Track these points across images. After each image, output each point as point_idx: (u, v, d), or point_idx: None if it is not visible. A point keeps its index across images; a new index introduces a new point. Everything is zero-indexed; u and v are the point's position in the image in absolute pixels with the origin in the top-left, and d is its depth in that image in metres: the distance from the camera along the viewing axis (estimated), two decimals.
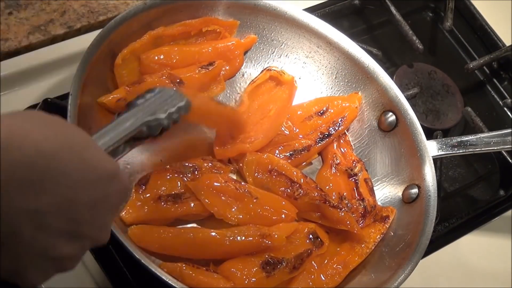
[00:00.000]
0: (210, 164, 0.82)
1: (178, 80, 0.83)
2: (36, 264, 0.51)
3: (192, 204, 0.78)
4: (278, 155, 0.86)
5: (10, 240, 0.48)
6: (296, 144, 0.88)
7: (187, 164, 0.80)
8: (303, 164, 0.89)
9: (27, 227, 0.47)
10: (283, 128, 0.88)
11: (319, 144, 0.89)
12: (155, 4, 0.84)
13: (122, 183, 0.53)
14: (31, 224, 0.48)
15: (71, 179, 0.48)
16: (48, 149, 0.47)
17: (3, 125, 0.45)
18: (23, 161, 0.45)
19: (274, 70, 0.91)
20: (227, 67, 0.90)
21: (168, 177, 0.79)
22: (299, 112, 0.90)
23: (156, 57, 0.84)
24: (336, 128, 0.90)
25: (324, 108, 0.90)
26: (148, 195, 0.77)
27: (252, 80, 0.91)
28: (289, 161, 0.86)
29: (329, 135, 0.89)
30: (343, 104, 0.91)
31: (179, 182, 0.79)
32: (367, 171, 0.90)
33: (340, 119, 0.90)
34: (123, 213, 0.75)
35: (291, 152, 0.87)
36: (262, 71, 0.91)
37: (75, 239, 0.51)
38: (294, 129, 0.88)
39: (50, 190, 0.47)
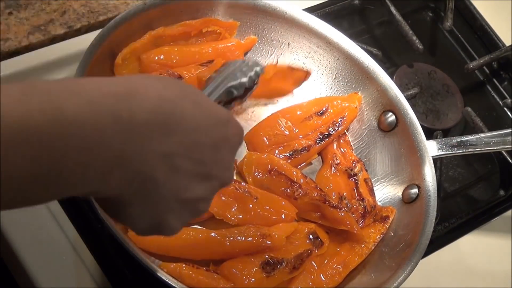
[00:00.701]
0: None
1: (176, 74, 0.83)
2: (173, 209, 0.52)
3: None
4: (278, 155, 0.86)
5: (146, 186, 0.49)
6: (296, 144, 0.88)
7: None
8: (303, 164, 0.89)
9: (161, 170, 0.49)
10: (282, 128, 0.88)
11: (319, 144, 0.89)
12: (155, 4, 0.84)
13: (237, 126, 0.56)
14: (164, 167, 0.49)
15: (194, 122, 0.50)
16: (170, 96, 0.49)
17: (125, 81, 0.48)
18: (149, 107, 0.47)
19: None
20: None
21: None
22: (298, 112, 0.90)
23: (156, 57, 0.84)
24: (336, 128, 0.90)
25: (324, 108, 0.90)
26: None
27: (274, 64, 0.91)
28: (289, 161, 0.86)
29: (329, 135, 0.89)
30: (343, 104, 0.91)
31: None
32: (367, 171, 0.90)
33: (339, 119, 0.90)
34: None
35: (291, 152, 0.87)
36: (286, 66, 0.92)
37: (204, 179, 0.53)
38: (294, 129, 0.88)
39: (177, 132, 0.49)
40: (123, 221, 0.53)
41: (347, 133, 0.92)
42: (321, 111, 0.90)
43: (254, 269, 0.75)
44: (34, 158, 0.42)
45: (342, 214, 0.82)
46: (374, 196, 0.88)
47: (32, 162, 0.42)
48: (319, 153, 0.91)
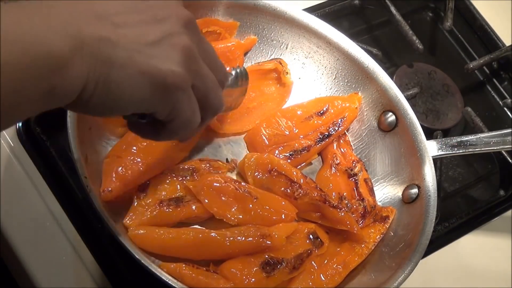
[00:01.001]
0: (207, 165, 0.82)
1: None
2: (150, 54, 0.53)
3: (194, 207, 0.78)
4: (278, 155, 0.86)
5: (106, 51, 0.50)
6: (296, 144, 0.88)
7: (185, 166, 0.81)
8: (303, 164, 0.89)
9: (105, 29, 0.51)
10: (282, 128, 0.88)
11: (319, 145, 0.89)
12: None
13: None
14: (107, 27, 0.51)
15: None
16: None
17: None
18: None
19: (282, 65, 0.91)
20: (228, 68, 0.90)
21: (168, 181, 0.79)
22: (299, 112, 0.90)
23: None
24: (336, 128, 0.90)
25: (324, 108, 0.90)
26: (150, 200, 0.77)
27: (258, 62, 0.91)
28: (289, 161, 0.86)
29: (329, 135, 0.89)
30: (343, 105, 0.91)
31: (178, 186, 0.79)
32: (367, 171, 0.90)
33: (340, 120, 0.90)
34: (126, 219, 0.75)
35: (291, 152, 0.87)
36: (272, 60, 0.92)
37: (157, 21, 0.54)
38: (294, 129, 0.88)
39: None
40: (123, 101, 0.53)
41: (347, 133, 0.92)
42: (321, 111, 0.90)
43: (254, 269, 0.75)
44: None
45: (342, 214, 0.82)
46: (374, 196, 0.88)
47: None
48: (319, 153, 0.91)
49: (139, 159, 0.77)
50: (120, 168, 0.76)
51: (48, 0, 0.49)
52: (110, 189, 0.74)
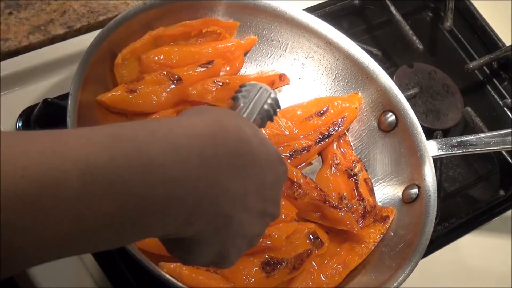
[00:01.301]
0: None
1: (176, 77, 0.83)
2: (236, 244, 0.54)
3: None
4: None
5: (223, 225, 0.50)
6: (296, 145, 0.88)
7: None
8: (303, 164, 0.89)
9: (237, 210, 0.51)
10: (282, 128, 0.88)
11: (319, 145, 0.88)
12: (155, 4, 0.84)
13: (285, 162, 0.58)
14: (239, 207, 0.51)
15: (263, 161, 0.53)
16: (246, 136, 0.51)
17: (207, 121, 0.49)
18: (231, 149, 0.49)
19: (281, 80, 0.92)
20: (228, 68, 0.90)
21: None
22: (299, 112, 0.90)
23: (156, 57, 0.84)
24: (336, 128, 0.90)
25: (324, 109, 0.90)
26: None
27: (261, 71, 0.92)
28: (289, 161, 0.86)
29: (329, 135, 0.89)
30: (343, 105, 0.91)
31: None
32: (367, 171, 0.90)
33: (340, 120, 0.90)
34: None
35: (291, 152, 0.87)
36: (276, 73, 0.92)
37: (263, 216, 0.55)
38: (294, 129, 0.88)
39: (251, 173, 0.51)
40: (186, 257, 0.53)
41: (347, 133, 0.92)
42: (321, 111, 0.90)
43: (254, 269, 0.75)
44: (118, 205, 0.42)
45: (342, 214, 0.82)
46: (374, 196, 0.88)
47: (115, 208, 0.42)
48: (319, 153, 0.91)
49: None
50: None
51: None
52: None
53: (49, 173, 0.39)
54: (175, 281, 0.69)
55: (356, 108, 0.92)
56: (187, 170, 0.45)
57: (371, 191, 0.88)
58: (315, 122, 0.90)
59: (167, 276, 0.69)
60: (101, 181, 0.41)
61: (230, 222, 0.51)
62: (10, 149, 0.38)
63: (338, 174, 0.88)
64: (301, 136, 0.89)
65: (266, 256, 0.76)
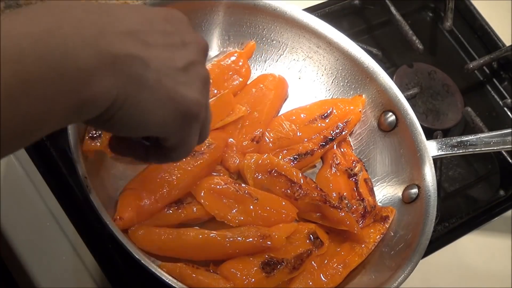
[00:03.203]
0: None
1: None
2: (177, 80, 0.52)
3: (195, 209, 0.78)
4: (282, 159, 0.86)
5: (135, 69, 0.49)
6: (300, 148, 0.88)
7: None
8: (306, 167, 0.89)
9: (135, 47, 0.50)
10: (286, 131, 0.88)
11: (323, 148, 0.88)
12: (155, 4, 0.84)
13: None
14: (136, 44, 0.50)
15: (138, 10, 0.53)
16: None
17: None
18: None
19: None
20: (240, 79, 0.90)
21: None
22: (302, 116, 0.90)
23: None
24: (340, 132, 0.90)
25: (328, 111, 0.90)
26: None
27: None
28: (293, 164, 0.86)
29: (333, 139, 0.89)
30: (347, 107, 0.91)
31: None
32: (367, 171, 0.90)
33: (344, 123, 0.90)
34: None
35: (295, 156, 0.87)
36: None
37: (182, 46, 0.54)
38: (298, 132, 0.88)
39: (127, 14, 0.51)
40: (147, 124, 0.52)
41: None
42: (325, 114, 0.90)
43: (254, 269, 0.75)
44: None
45: (343, 214, 0.82)
46: (374, 196, 0.88)
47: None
48: None
49: (155, 195, 0.76)
50: (135, 200, 0.75)
51: (74, 2, 0.48)
52: (122, 217, 0.74)
53: None
54: (175, 281, 0.69)
55: (360, 111, 0.92)
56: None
57: (371, 191, 0.88)
58: (319, 125, 0.89)
59: (167, 276, 0.69)
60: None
61: (140, 62, 0.49)
62: None
63: (338, 174, 0.88)
64: (305, 140, 0.89)
65: (266, 256, 0.76)
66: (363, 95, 0.93)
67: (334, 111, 0.90)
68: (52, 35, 0.45)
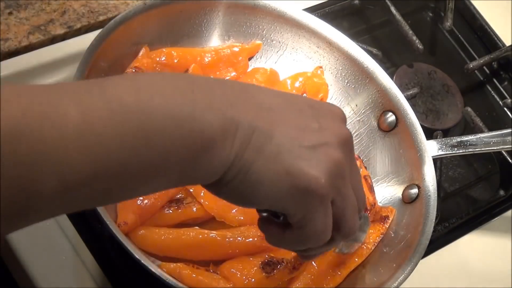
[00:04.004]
0: None
1: None
2: (300, 156, 0.52)
3: (194, 209, 0.78)
4: None
5: (258, 139, 0.51)
6: None
7: None
8: None
9: (264, 122, 0.51)
10: None
11: None
12: (155, 4, 0.84)
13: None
14: (266, 119, 0.51)
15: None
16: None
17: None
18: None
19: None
20: (233, 73, 0.90)
21: None
22: None
23: (158, 58, 0.84)
24: None
25: (301, 92, 0.91)
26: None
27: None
28: None
29: None
30: (313, 82, 0.91)
31: None
32: (366, 168, 0.90)
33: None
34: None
35: None
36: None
37: (316, 130, 0.54)
38: None
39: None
40: (259, 194, 0.52)
41: None
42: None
43: (254, 269, 0.75)
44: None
45: None
46: (374, 194, 0.88)
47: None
48: None
49: (154, 195, 0.76)
50: (135, 201, 0.75)
51: (213, 80, 0.50)
52: (126, 222, 0.73)
53: None
54: (175, 281, 0.69)
55: (326, 84, 0.92)
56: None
57: (371, 189, 0.88)
58: None
59: (167, 276, 0.69)
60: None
61: (265, 137, 0.50)
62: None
63: None
64: None
65: (266, 256, 0.76)
66: (362, 94, 0.93)
67: (307, 90, 0.91)
68: (183, 95, 0.46)
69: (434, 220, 0.82)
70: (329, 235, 0.58)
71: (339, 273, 0.80)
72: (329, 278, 0.80)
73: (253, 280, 0.75)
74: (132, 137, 0.44)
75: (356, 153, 0.92)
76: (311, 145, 0.52)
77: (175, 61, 0.85)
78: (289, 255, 0.78)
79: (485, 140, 0.90)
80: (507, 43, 1.15)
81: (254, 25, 0.92)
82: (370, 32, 1.12)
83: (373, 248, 0.83)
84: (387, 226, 0.85)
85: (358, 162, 0.89)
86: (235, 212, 0.79)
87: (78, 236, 0.78)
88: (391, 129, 0.91)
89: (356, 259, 0.82)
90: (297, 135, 0.52)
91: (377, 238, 0.84)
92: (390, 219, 0.86)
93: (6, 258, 0.79)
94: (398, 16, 1.09)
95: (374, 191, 0.88)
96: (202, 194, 0.78)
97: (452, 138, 0.90)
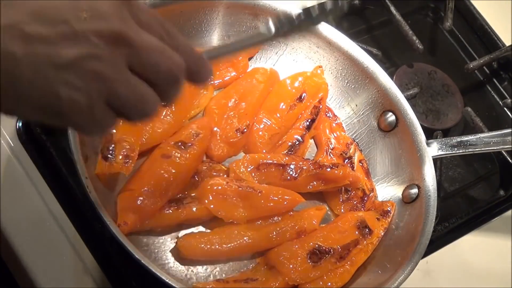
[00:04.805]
0: (209, 165, 0.83)
1: None
2: (57, 79, 0.48)
3: (194, 208, 0.78)
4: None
5: (8, 67, 0.47)
6: (290, 142, 0.88)
7: None
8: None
9: (14, 44, 0.46)
10: (274, 126, 0.88)
11: (309, 130, 0.90)
12: (155, 4, 0.84)
13: None
14: (16, 40, 0.47)
15: None
16: None
17: None
18: None
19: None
20: (233, 73, 0.90)
21: None
22: (281, 106, 0.89)
23: None
24: (318, 110, 0.90)
25: (303, 96, 0.90)
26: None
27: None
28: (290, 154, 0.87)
29: (314, 120, 0.90)
30: (313, 82, 0.92)
31: None
32: (361, 151, 0.91)
33: (317, 100, 0.91)
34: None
35: (290, 149, 0.87)
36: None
37: (74, 39, 0.48)
38: (283, 123, 0.89)
39: (16, 3, 0.47)
40: (20, 111, 0.49)
41: (337, 116, 0.93)
42: (300, 96, 0.90)
43: (301, 258, 0.77)
44: None
45: (341, 172, 0.84)
46: (371, 178, 0.89)
47: None
48: (313, 139, 0.91)
49: (154, 193, 0.77)
50: (135, 202, 0.75)
51: None
52: (126, 222, 0.74)
53: None
54: (175, 281, 0.69)
55: (326, 83, 0.92)
56: None
57: (367, 173, 0.89)
58: (298, 110, 0.90)
59: (167, 276, 0.69)
60: None
61: (13, 59, 0.46)
62: None
63: (334, 159, 0.88)
64: (291, 131, 0.89)
65: (311, 244, 0.79)
66: (362, 94, 0.93)
67: (306, 91, 0.91)
68: None
69: (434, 220, 0.82)
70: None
71: (347, 271, 0.81)
72: (338, 276, 0.80)
73: (300, 268, 0.77)
74: None
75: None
76: (63, 64, 0.48)
77: None
78: (336, 244, 0.80)
79: (485, 140, 0.90)
80: (507, 43, 1.15)
81: (254, 25, 0.92)
82: (370, 32, 1.12)
83: (377, 244, 0.84)
84: (389, 220, 0.86)
85: (353, 146, 0.90)
86: (241, 209, 0.79)
87: (78, 236, 0.78)
88: (391, 129, 0.91)
89: (363, 255, 0.83)
90: (49, 54, 0.48)
91: (381, 233, 0.84)
92: (392, 212, 0.86)
93: (6, 258, 0.79)
94: (398, 16, 1.09)
95: (370, 175, 0.90)
96: (206, 201, 0.78)
97: (452, 138, 0.90)
